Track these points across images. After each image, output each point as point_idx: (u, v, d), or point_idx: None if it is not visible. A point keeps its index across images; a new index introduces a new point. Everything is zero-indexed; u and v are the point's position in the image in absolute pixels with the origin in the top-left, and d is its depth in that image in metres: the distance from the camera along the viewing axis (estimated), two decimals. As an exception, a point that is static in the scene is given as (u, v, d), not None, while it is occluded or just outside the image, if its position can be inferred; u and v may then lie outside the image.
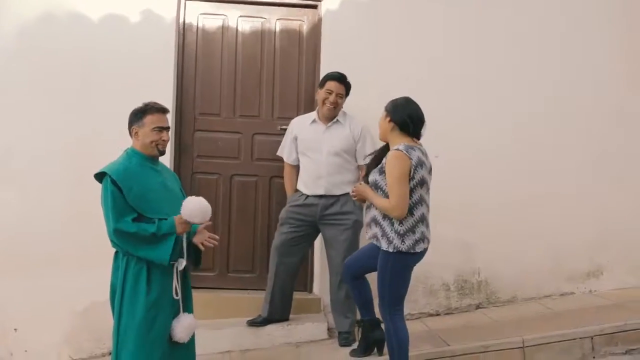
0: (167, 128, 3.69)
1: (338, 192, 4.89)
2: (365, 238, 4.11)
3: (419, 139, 4.02)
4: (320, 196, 4.90)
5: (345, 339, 4.84)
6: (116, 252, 3.58)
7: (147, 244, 3.45)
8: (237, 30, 5.67)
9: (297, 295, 5.35)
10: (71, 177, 5.17)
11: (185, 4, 5.53)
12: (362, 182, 4.14)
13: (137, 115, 3.64)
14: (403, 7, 5.52)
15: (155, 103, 3.69)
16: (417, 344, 4.42)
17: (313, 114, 5.07)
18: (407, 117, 3.93)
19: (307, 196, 4.93)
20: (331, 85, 4.88)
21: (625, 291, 5.60)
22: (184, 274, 3.67)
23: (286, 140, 5.14)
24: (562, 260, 5.61)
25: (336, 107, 4.90)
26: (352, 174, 4.98)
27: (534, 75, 5.63)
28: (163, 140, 3.64)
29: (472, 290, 5.53)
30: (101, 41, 5.31)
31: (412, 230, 3.86)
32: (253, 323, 5.03)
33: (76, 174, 5.12)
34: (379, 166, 3.96)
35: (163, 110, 3.68)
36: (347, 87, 4.94)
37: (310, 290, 5.51)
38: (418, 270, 5.30)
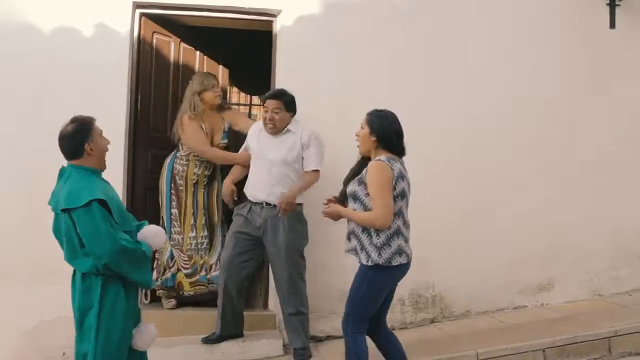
0: None
1: (263, 200, 4.86)
2: (346, 250, 4.00)
3: (403, 155, 4.00)
4: (262, 207, 4.84)
5: (300, 356, 4.81)
6: (84, 273, 3.39)
7: (141, 263, 3.43)
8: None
9: (252, 312, 5.34)
10: (21, 190, 5.05)
11: (141, 20, 5.46)
12: (331, 202, 4.02)
13: (87, 132, 3.46)
14: (359, 23, 5.55)
15: (83, 115, 3.58)
16: (372, 359, 4.41)
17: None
18: (393, 136, 3.92)
19: (251, 206, 4.88)
20: (267, 103, 4.86)
21: (575, 304, 5.71)
22: None
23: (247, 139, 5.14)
24: (515, 274, 5.69)
25: (274, 122, 4.83)
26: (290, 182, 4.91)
27: (487, 87, 5.71)
28: (108, 146, 3.60)
29: (427, 305, 5.56)
30: (53, 53, 5.21)
31: (388, 243, 3.80)
32: (208, 340, 4.98)
33: (26, 187, 5.01)
34: (359, 177, 3.90)
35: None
36: (285, 100, 4.86)
37: (266, 307, 5.47)
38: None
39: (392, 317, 5.42)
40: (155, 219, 5.24)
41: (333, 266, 5.28)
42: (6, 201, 5.07)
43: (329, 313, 5.34)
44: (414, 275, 5.45)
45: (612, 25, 5.83)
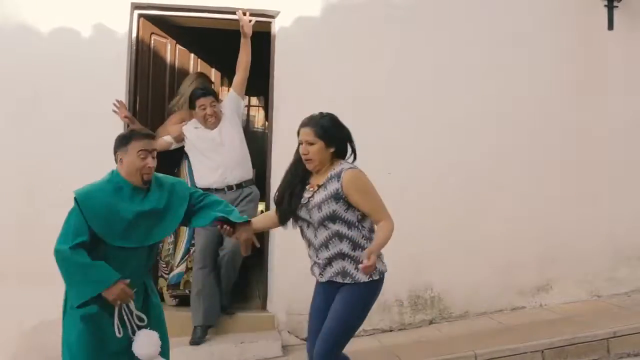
0: (153, 151, 3.45)
1: (239, 181, 5.17)
2: (322, 278, 3.53)
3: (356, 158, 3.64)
4: (225, 192, 5.08)
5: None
6: None
7: (73, 275, 3.27)
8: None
9: (251, 313, 5.34)
10: (20, 190, 5.05)
11: (139, 21, 5.46)
12: (363, 257, 3.24)
13: (123, 141, 3.45)
14: (358, 24, 5.55)
15: (142, 129, 3.60)
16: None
17: (194, 122, 5.29)
18: (349, 140, 3.58)
19: (214, 191, 5.00)
20: (200, 101, 5.17)
21: (574, 305, 5.70)
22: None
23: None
24: (513, 275, 5.68)
25: (215, 115, 5.17)
26: (248, 158, 5.34)
27: (486, 87, 5.71)
28: (149, 167, 3.40)
29: (425, 306, 5.55)
30: (52, 54, 5.21)
31: None
32: (198, 341, 5.02)
33: (26, 187, 5.03)
34: (332, 194, 3.40)
35: (149, 136, 3.50)
36: (214, 94, 5.35)
37: (264, 308, 5.46)
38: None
39: (390, 318, 5.46)
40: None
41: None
42: (6, 201, 5.07)
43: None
44: (413, 277, 5.50)
45: (610, 26, 5.84)
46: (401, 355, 4.74)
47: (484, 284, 5.61)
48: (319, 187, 3.46)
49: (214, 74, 6.41)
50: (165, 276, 5.47)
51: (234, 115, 5.32)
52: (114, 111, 5.19)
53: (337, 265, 3.45)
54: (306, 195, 3.49)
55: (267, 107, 5.72)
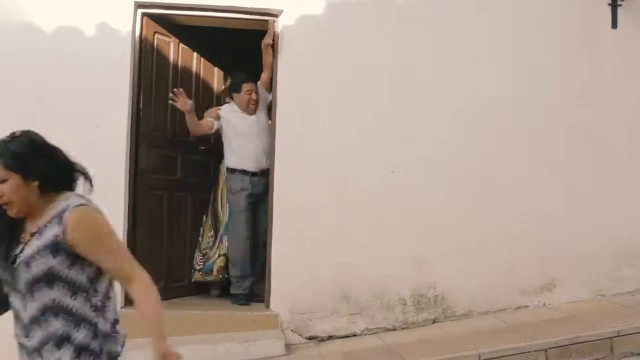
0: None
1: (267, 167, 5.54)
2: None
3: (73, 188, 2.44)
4: (257, 174, 5.50)
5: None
6: None
7: None
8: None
9: (254, 312, 5.34)
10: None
11: (142, 20, 5.47)
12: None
13: None
14: (361, 23, 5.55)
15: None
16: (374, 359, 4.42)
17: (232, 106, 5.63)
18: (62, 163, 2.47)
19: (251, 175, 5.48)
20: (248, 86, 5.51)
21: (577, 304, 5.68)
22: None
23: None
24: (517, 274, 5.66)
25: (257, 102, 5.54)
26: None
27: (484, 89, 5.69)
28: None
29: (429, 305, 5.54)
30: (55, 53, 5.22)
31: (116, 317, 2.40)
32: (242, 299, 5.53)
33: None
34: (50, 242, 2.21)
35: None
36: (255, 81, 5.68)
37: (268, 307, 5.45)
38: (375, 285, 5.35)
39: (394, 317, 5.44)
40: (158, 219, 5.26)
41: (333, 265, 5.29)
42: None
43: (330, 313, 5.34)
44: (416, 276, 5.49)
45: (614, 25, 5.82)
46: (404, 354, 4.72)
47: (487, 283, 5.59)
48: (33, 235, 2.27)
49: (216, 73, 6.40)
50: (198, 267, 5.77)
51: (263, 107, 5.66)
52: (172, 101, 5.41)
53: (56, 355, 2.26)
54: (16, 249, 2.29)
55: (270, 105, 5.74)
